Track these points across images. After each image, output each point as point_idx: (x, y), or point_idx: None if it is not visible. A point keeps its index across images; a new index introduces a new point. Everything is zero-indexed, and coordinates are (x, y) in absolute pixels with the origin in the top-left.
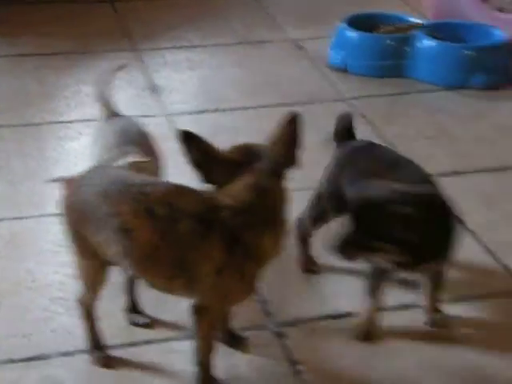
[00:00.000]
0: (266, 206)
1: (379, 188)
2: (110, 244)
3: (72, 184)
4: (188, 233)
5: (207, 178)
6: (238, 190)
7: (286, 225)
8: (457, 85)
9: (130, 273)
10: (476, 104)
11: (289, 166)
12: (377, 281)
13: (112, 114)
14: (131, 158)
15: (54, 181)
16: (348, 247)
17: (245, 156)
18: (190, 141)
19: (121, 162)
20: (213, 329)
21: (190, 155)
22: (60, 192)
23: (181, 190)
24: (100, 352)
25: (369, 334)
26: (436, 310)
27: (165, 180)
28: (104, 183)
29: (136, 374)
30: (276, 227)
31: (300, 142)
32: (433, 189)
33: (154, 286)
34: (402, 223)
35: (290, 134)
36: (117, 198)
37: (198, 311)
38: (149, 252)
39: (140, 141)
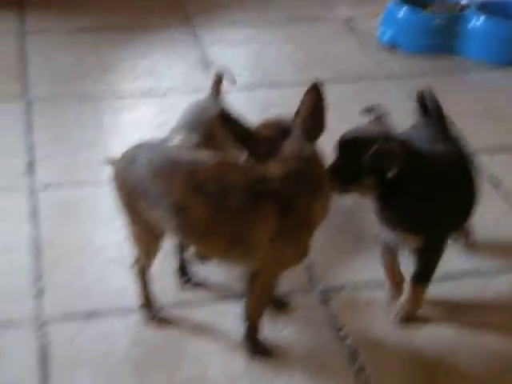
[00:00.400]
0: (310, 172)
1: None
2: (163, 220)
3: (122, 160)
4: (240, 206)
5: (249, 154)
6: (282, 161)
7: (329, 189)
8: (507, 62)
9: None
10: None
11: (318, 132)
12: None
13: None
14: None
15: (107, 162)
16: (334, 176)
17: (277, 131)
18: (227, 121)
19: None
20: (266, 293)
21: (230, 134)
22: (111, 168)
23: (228, 165)
24: (152, 311)
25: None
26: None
27: (212, 156)
28: (154, 161)
29: (185, 334)
30: (322, 192)
31: (325, 108)
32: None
33: (210, 256)
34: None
35: (314, 102)
36: (167, 177)
37: (254, 276)
38: (203, 228)
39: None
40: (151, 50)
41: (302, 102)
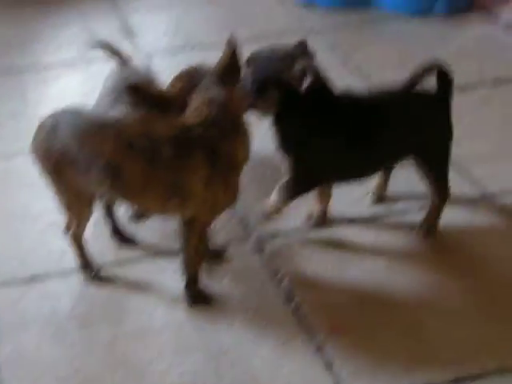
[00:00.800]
0: (227, 115)
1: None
2: (96, 182)
3: (42, 130)
4: (172, 156)
5: (168, 111)
6: (198, 108)
7: (249, 129)
8: (421, 12)
9: (118, 202)
10: (440, 30)
11: (235, 79)
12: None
13: (122, 63)
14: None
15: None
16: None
17: (190, 80)
18: (136, 92)
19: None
20: (201, 241)
21: (143, 103)
22: (32, 136)
23: (151, 119)
24: (92, 271)
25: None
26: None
27: (133, 114)
28: (78, 126)
29: (127, 290)
30: (242, 133)
31: (239, 58)
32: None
33: (147, 210)
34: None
35: (229, 54)
36: (95, 139)
37: (189, 225)
38: (139, 183)
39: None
40: (71, 20)
41: (219, 57)
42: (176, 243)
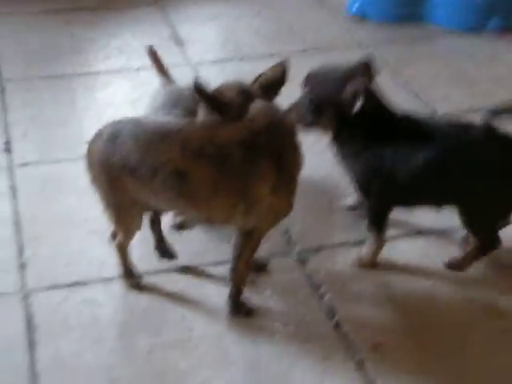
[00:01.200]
0: (287, 126)
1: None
2: (158, 192)
3: (99, 140)
4: (241, 160)
5: (223, 117)
6: (258, 116)
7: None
8: (473, 28)
9: (183, 214)
10: (492, 47)
11: (275, 91)
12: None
13: (168, 81)
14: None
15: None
16: (297, 109)
17: (239, 93)
18: (201, 91)
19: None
20: (254, 252)
21: (205, 103)
22: (88, 145)
23: (215, 125)
24: (133, 280)
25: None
26: None
27: (196, 120)
28: (143, 134)
29: (167, 299)
30: (297, 145)
31: (284, 82)
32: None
33: (211, 219)
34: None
35: (276, 74)
36: (161, 148)
37: (247, 235)
38: (209, 188)
39: (186, 105)
40: (121, 29)
41: (265, 72)
42: (216, 255)
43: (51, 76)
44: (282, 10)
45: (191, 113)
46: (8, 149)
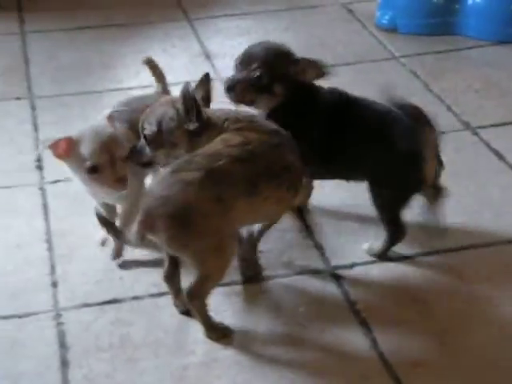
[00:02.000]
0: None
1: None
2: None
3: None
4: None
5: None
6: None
7: None
8: (506, 40)
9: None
10: None
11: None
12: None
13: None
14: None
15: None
16: (237, 87)
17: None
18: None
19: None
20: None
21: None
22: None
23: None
24: (221, 329)
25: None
26: None
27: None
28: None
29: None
30: None
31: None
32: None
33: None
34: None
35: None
36: (257, 151)
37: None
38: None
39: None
40: (151, 45)
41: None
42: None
43: (82, 92)
44: (311, 24)
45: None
46: (39, 166)
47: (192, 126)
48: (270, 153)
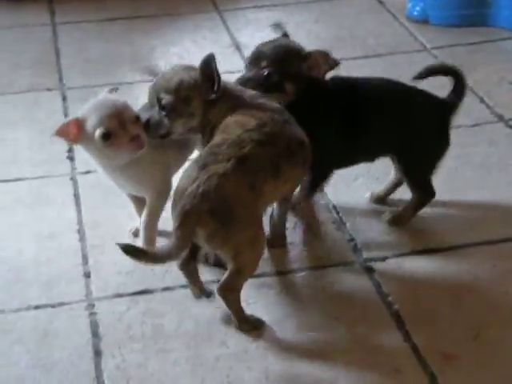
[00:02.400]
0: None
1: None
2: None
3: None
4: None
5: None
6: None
7: None
8: None
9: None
10: None
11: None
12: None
13: None
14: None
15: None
16: (247, 86)
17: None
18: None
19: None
20: None
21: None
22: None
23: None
24: (255, 324)
25: None
26: None
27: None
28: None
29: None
30: None
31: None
32: None
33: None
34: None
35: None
36: (275, 133)
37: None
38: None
39: None
40: (180, 36)
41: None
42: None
43: (112, 84)
44: (341, 15)
45: None
46: (71, 157)
47: (211, 96)
48: (285, 132)
